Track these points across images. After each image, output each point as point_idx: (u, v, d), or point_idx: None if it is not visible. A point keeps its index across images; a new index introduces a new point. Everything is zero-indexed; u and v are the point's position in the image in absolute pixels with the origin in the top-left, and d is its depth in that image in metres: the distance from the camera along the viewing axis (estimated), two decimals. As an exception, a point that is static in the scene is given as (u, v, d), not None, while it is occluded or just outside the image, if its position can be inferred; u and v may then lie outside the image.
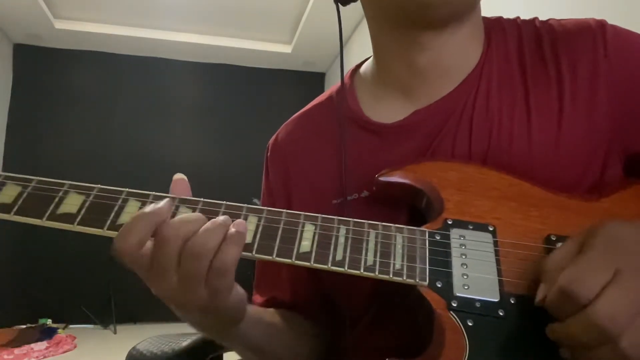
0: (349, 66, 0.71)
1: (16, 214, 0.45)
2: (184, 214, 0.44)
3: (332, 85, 0.75)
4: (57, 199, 0.46)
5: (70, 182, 0.48)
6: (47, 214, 0.46)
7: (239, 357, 0.73)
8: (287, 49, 4.30)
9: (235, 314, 0.47)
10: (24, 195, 0.47)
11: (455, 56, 0.58)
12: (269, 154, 0.72)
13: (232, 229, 0.42)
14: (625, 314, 0.36)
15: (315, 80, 4.72)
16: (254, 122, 4.45)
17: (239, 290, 0.46)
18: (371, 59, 0.67)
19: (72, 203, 0.46)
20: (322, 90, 4.84)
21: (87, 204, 0.46)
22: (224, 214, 0.47)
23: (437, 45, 0.57)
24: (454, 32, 0.57)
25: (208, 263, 0.41)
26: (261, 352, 0.58)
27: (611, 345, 0.36)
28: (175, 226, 0.41)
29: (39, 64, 4.20)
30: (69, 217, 0.46)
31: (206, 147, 4.40)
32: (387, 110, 0.61)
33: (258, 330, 0.55)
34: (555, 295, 0.39)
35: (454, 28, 0.56)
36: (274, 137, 0.72)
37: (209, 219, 0.43)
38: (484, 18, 0.63)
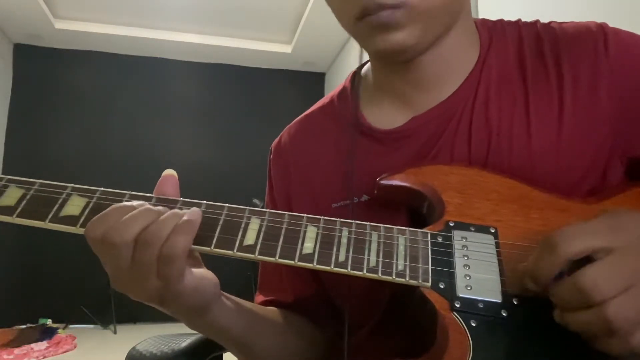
0: (348, 66, 0.71)
1: (19, 216, 0.46)
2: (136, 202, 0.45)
3: (332, 85, 0.75)
4: (59, 202, 0.47)
5: (72, 185, 0.48)
6: (49, 216, 0.46)
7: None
8: (287, 49, 4.29)
9: (197, 299, 0.46)
10: (27, 197, 0.47)
11: (444, 66, 0.58)
12: (271, 156, 0.72)
13: (184, 217, 0.43)
14: (614, 284, 0.36)
15: (315, 80, 4.72)
16: (254, 122, 4.45)
17: (196, 276, 0.46)
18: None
19: (75, 205, 0.47)
20: (322, 90, 4.84)
21: (90, 206, 0.47)
22: (226, 216, 0.47)
23: (422, 64, 0.57)
24: (435, 49, 0.57)
25: (157, 251, 0.41)
26: (247, 347, 0.57)
27: (596, 309, 0.36)
28: (135, 216, 0.42)
29: (39, 64, 4.19)
30: (71, 220, 0.46)
31: (206, 147, 4.40)
32: (387, 116, 0.61)
33: (237, 322, 0.54)
34: (539, 248, 0.41)
35: (433, 48, 0.56)
36: (277, 139, 0.73)
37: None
38: (485, 21, 0.63)
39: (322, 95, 0.73)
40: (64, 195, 0.47)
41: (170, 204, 0.48)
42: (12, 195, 0.47)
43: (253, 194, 3.53)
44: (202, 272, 0.47)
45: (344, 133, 0.64)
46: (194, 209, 0.45)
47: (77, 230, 0.45)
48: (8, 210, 0.46)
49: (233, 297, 0.55)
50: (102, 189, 0.48)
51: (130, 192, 0.48)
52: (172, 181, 0.49)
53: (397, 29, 0.51)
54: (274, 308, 0.66)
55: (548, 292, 0.40)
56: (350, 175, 0.60)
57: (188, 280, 0.44)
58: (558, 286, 0.39)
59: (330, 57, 4.36)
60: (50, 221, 0.46)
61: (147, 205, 0.44)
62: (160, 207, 0.44)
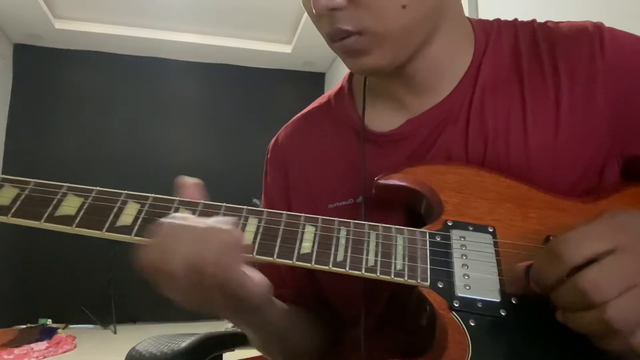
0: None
1: (14, 216, 0.45)
2: (183, 216, 0.43)
3: (332, 85, 0.75)
4: (55, 201, 0.46)
5: (68, 184, 0.48)
6: (45, 216, 0.45)
7: (238, 358, 0.73)
8: (287, 49, 4.29)
9: (259, 300, 0.46)
10: (22, 197, 0.47)
11: (437, 69, 0.58)
12: (268, 156, 0.72)
13: (233, 239, 0.42)
14: (615, 284, 0.36)
15: (315, 80, 4.72)
16: (254, 122, 4.45)
17: (254, 277, 0.44)
18: None
19: (70, 205, 0.46)
20: (322, 90, 4.84)
21: (85, 206, 0.46)
22: (224, 216, 0.47)
23: (412, 70, 0.57)
24: (423, 55, 0.56)
25: (211, 280, 0.40)
26: (284, 340, 0.58)
27: (597, 310, 0.36)
28: (177, 241, 0.40)
29: (39, 64, 4.20)
30: (67, 219, 0.46)
31: (206, 147, 4.40)
32: (383, 117, 0.61)
33: (278, 316, 0.55)
34: (544, 255, 0.40)
35: (420, 55, 0.56)
36: (274, 139, 0.73)
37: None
38: (481, 21, 0.62)
39: (321, 95, 0.73)
40: (59, 195, 0.47)
41: (167, 203, 0.47)
42: (7, 195, 0.46)
43: (253, 194, 3.52)
44: (255, 274, 0.46)
45: (341, 133, 0.64)
46: (238, 230, 0.44)
47: (73, 230, 0.45)
48: (2, 209, 0.46)
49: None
50: (97, 188, 0.48)
51: (126, 191, 0.48)
52: (195, 190, 0.49)
53: (365, 54, 0.52)
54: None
55: (549, 293, 0.40)
56: (359, 176, 0.59)
57: (255, 290, 0.44)
58: (559, 288, 0.39)
59: (330, 57, 4.35)
60: (45, 221, 0.45)
61: (191, 224, 0.42)
62: (205, 224, 0.42)
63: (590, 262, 0.37)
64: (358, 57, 0.53)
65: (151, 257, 0.41)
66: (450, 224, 0.49)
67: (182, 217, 0.42)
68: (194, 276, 0.40)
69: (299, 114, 0.72)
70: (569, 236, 0.39)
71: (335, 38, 0.52)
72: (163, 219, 0.42)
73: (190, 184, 0.49)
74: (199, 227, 0.41)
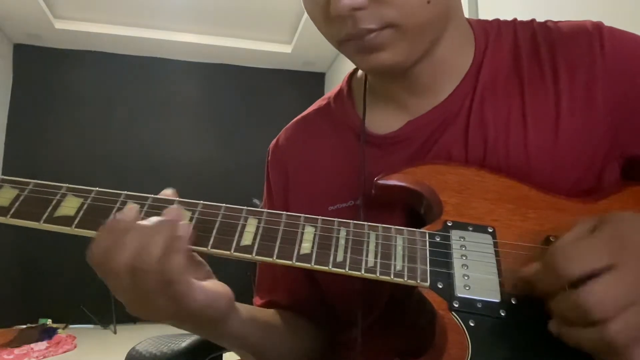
0: (348, 66, 0.71)
1: (13, 216, 0.45)
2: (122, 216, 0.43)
3: (332, 85, 0.75)
4: (54, 202, 0.46)
5: (67, 185, 0.48)
6: (44, 217, 0.45)
7: (238, 358, 0.73)
8: (287, 49, 4.29)
9: (212, 312, 0.45)
10: (21, 198, 0.46)
11: (439, 71, 0.58)
12: (269, 157, 0.72)
13: (169, 233, 0.41)
14: (616, 302, 0.36)
15: (315, 80, 4.71)
16: (254, 122, 4.44)
17: (209, 290, 0.44)
18: None
19: (69, 206, 0.46)
20: (322, 91, 4.83)
21: (85, 207, 0.46)
22: (223, 216, 0.47)
23: (415, 72, 0.57)
24: (428, 57, 0.56)
25: (156, 276, 0.40)
26: (259, 353, 0.57)
27: (598, 328, 0.36)
28: (124, 241, 0.40)
29: (39, 64, 4.19)
30: (66, 220, 0.46)
31: (206, 146, 4.40)
32: (383, 118, 0.61)
33: (251, 329, 0.54)
34: (541, 266, 0.40)
35: (425, 57, 0.55)
36: (274, 140, 0.73)
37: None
38: (480, 21, 0.62)
39: (322, 95, 0.73)
40: (58, 196, 0.47)
41: (166, 204, 0.47)
42: (6, 196, 0.46)
43: (253, 194, 3.52)
44: (214, 285, 0.46)
45: (340, 135, 0.64)
46: (183, 223, 0.43)
47: (72, 230, 0.45)
48: (2, 210, 0.46)
49: (245, 305, 0.55)
50: (97, 189, 0.48)
51: (126, 192, 0.48)
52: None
53: (381, 49, 0.51)
54: (275, 310, 0.66)
55: (546, 300, 0.40)
56: (359, 178, 0.59)
57: (200, 296, 0.43)
58: (558, 299, 0.39)
59: (330, 57, 4.35)
60: (44, 222, 0.45)
61: (133, 222, 0.42)
62: (146, 223, 0.42)
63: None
64: (374, 54, 0.51)
65: (97, 251, 0.41)
66: (449, 224, 0.49)
67: (127, 216, 0.42)
68: (135, 276, 0.40)
69: (298, 116, 0.72)
70: (567, 248, 0.38)
71: (354, 37, 0.50)
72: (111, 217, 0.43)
73: (166, 193, 0.49)
74: (146, 227, 0.41)
